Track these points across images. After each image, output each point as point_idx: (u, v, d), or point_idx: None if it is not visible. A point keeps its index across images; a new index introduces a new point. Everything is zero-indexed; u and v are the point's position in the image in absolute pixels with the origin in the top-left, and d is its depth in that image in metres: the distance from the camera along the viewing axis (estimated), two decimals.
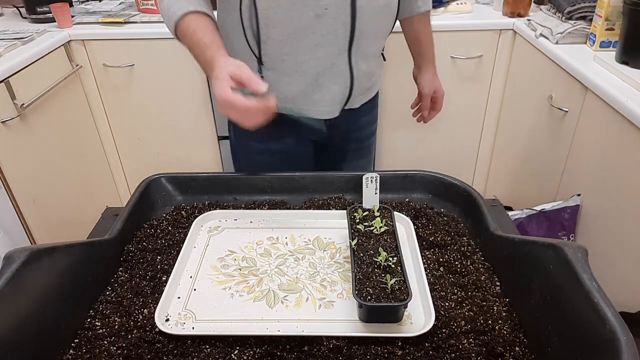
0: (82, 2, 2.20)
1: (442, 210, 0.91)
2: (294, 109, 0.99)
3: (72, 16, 1.96)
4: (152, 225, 0.89)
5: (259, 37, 0.93)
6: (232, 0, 0.93)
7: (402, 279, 0.67)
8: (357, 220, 0.81)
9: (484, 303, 0.70)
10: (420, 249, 0.79)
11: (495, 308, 0.70)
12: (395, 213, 0.85)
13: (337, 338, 0.64)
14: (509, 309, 0.70)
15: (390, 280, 0.66)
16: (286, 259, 0.80)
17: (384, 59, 1.15)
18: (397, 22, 1.09)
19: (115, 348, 0.65)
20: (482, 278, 0.75)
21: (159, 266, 0.79)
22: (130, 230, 0.86)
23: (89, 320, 0.70)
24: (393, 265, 0.70)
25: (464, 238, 0.84)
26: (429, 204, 0.92)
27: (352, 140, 1.17)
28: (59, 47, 1.82)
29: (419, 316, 0.68)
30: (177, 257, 0.78)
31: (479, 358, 0.62)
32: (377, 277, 0.68)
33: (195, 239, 0.85)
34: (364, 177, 0.84)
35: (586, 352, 0.54)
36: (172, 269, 0.76)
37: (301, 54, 0.94)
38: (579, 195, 1.42)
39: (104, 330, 0.68)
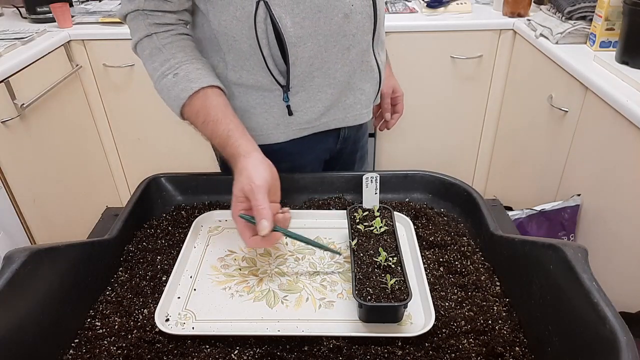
0: (82, 2, 2.20)
1: (442, 210, 0.91)
2: (328, 122, 0.97)
3: (72, 16, 1.96)
4: (152, 225, 0.89)
5: (287, 61, 0.86)
6: (243, 34, 0.85)
7: (402, 279, 0.67)
8: (357, 220, 0.81)
9: (484, 303, 0.70)
10: (420, 249, 0.79)
11: (495, 308, 0.70)
12: (395, 213, 0.85)
13: (337, 338, 0.64)
14: (509, 309, 0.70)
15: (390, 280, 0.66)
16: (286, 259, 0.80)
17: None
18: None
19: (115, 348, 0.64)
20: (482, 278, 0.75)
21: (159, 266, 0.79)
22: (130, 230, 0.86)
23: (89, 320, 0.70)
24: (393, 265, 0.70)
25: (464, 238, 0.84)
26: (429, 204, 0.92)
27: (358, 149, 1.14)
28: (59, 47, 1.82)
29: (419, 316, 0.68)
30: (177, 257, 0.78)
31: (479, 358, 0.62)
32: (377, 277, 0.68)
33: (195, 239, 0.85)
34: (364, 177, 0.84)
35: (586, 352, 0.54)
36: (172, 269, 0.76)
37: (332, 63, 0.89)
38: (579, 195, 1.42)
39: (104, 330, 0.68)
